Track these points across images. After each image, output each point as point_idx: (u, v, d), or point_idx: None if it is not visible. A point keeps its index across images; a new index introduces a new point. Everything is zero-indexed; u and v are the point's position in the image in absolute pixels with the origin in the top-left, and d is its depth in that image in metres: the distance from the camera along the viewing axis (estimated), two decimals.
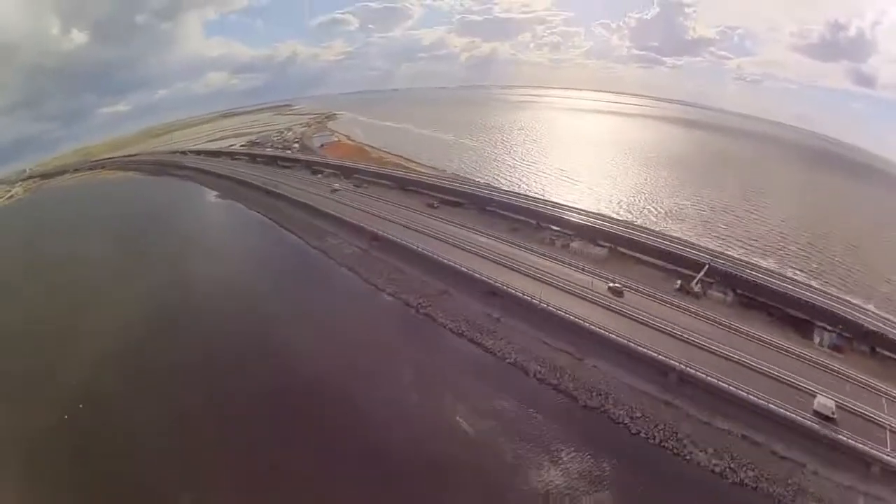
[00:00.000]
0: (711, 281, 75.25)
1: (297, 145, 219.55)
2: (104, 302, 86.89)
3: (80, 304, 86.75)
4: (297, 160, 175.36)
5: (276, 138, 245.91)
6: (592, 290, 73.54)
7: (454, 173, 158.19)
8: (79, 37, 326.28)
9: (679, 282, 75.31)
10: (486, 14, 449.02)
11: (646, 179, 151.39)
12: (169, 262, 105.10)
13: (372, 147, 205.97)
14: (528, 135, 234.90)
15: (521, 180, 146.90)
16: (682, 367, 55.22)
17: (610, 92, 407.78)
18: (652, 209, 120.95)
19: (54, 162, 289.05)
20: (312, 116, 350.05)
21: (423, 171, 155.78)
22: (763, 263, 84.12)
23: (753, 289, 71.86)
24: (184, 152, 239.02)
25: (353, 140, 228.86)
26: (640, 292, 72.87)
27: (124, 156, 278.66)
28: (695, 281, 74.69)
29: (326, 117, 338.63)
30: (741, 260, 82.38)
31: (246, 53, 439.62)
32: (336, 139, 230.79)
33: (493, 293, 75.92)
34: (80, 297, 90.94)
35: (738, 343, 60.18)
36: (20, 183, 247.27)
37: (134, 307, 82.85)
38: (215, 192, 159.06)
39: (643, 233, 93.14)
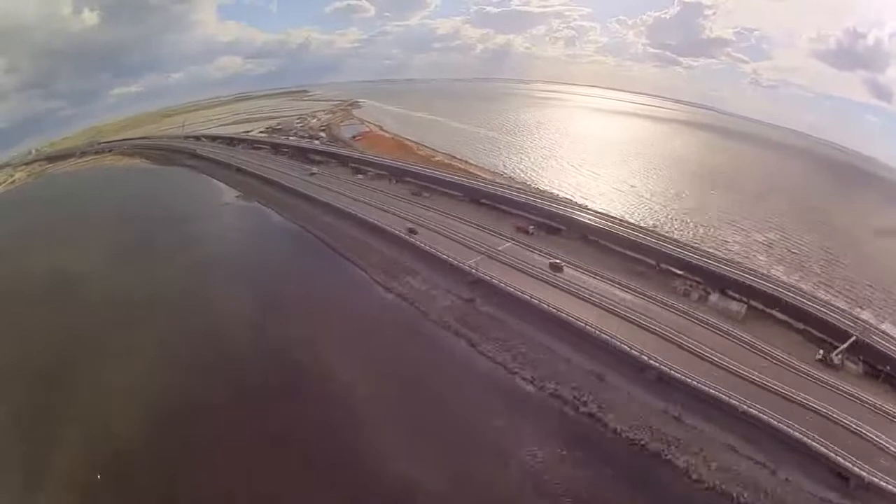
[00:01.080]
0: (859, 359, 57.46)
1: (323, 134, 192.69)
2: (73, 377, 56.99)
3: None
4: (332, 154, 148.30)
5: (298, 125, 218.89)
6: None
7: (514, 178, 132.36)
8: (90, 17, 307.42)
9: (821, 352, 58.53)
10: (503, 5, 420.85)
11: (717, 204, 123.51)
12: (180, 305, 75.85)
13: (411, 141, 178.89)
14: (567, 136, 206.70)
15: (598, 195, 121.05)
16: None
17: (626, 91, 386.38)
18: (753, 247, 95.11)
19: (63, 143, 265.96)
20: (333, 103, 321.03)
21: (483, 175, 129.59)
22: None
23: None
24: (198, 138, 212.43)
25: (387, 131, 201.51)
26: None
27: (134, 138, 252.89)
28: (836, 352, 57.55)
29: (349, 104, 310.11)
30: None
31: (259, 38, 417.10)
32: (368, 130, 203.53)
33: (661, 380, 50.77)
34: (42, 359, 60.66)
35: None
36: (24, 167, 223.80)
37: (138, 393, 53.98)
38: (235, 192, 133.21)
39: (778, 286, 69.76)
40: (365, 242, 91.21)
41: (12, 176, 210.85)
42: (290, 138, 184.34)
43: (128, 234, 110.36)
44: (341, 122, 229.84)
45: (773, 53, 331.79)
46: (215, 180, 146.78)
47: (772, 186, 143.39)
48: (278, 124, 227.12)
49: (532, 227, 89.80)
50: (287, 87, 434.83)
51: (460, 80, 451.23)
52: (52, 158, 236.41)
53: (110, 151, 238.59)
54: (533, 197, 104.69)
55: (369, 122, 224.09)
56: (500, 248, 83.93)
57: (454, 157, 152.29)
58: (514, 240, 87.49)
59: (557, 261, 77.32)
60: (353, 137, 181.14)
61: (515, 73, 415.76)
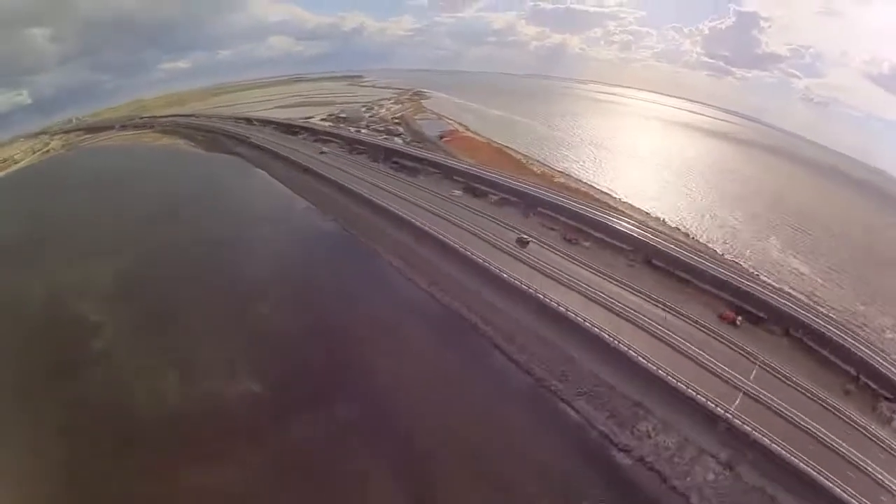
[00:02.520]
0: None
1: (401, 129, 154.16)
2: None
3: None
4: (428, 161, 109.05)
5: (367, 115, 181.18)
6: None
7: (667, 223, 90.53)
8: None
9: None
10: (558, 3, 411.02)
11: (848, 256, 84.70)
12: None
13: (513, 150, 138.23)
14: (661, 152, 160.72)
15: (770, 264, 78.74)
16: None
17: (678, 97, 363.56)
18: None
19: (106, 113, 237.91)
20: (396, 92, 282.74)
21: (635, 216, 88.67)
22: None
23: None
24: (250, 121, 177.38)
25: (474, 132, 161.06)
26: None
27: (178, 116, 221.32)
28: None
29: (414, 94, 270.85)
30: None
31: (311, 20, 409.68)
32: (452, 128, 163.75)
33: None
34: None
35: None
36: (62, 135, 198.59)
37: None
38: (304, 201, 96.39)
39: None
40: (554, 347, 52.53)
41: (47, 144, 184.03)
42: (362, 131, 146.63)
43: (152, 262, 74.83)
44: (415, 114, 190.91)
45: (825, 71, 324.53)
46: (274, 180, 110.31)
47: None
48: (341, 112, 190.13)
49: (740, 317, 57.83)
50: (342, 71, 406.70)
51: (513, 76, 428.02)
52: (90, 129, 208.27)
53: (151, 128, 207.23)
54: (725, 269, 66.36)
55: (448, 119, 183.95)
56: (729, 367, 48.61)
57: (580, 181, 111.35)
58: (718, 335, 54.49)
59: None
60: (441, 138, 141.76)
61: (568, 73, 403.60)
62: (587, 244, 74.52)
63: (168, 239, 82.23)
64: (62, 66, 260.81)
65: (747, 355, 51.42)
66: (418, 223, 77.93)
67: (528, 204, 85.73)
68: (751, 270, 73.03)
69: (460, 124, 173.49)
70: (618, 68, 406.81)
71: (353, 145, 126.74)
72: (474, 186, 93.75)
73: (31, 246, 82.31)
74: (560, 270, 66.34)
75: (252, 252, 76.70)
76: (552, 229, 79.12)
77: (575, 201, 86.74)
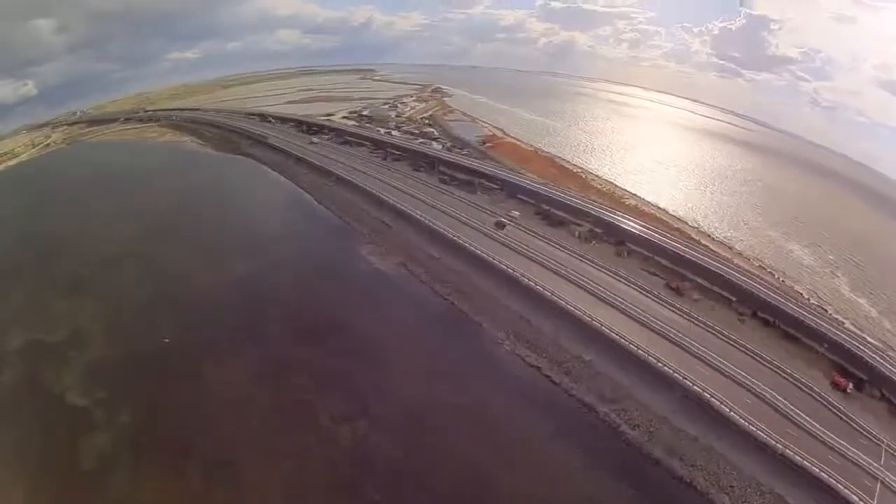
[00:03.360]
0: None
1: (434, 130, 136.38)
2: None
3: None
4: (493, 178, 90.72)
5: (391, 113, 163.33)
6: None
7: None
8: None
9: None
10: (569, 2, 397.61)
11: None
12: None
13: (562, 159, 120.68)
14: (709, 168, 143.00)
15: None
16: None
17: (688, 99, 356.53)
18: None
19: (111, 105, 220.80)
20: (414, 88, 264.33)
21: (720, 250, 73.93)
22: None
23: None
24: (265, 116, 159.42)
25: (514, 137, 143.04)
26: None
27: (186, 109, 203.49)
28: None
29: (433, 91, 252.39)
30: None
31: (320, 13, 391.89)
32: (490, 132, 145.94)
33: None
34: None
35: None
36: (64, 127, 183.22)
37: None
38: (346, 224, 79.08)
39: None
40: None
41: (49, 137, 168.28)
42: (394, 133, 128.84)
43: (149, 313, 57.24)
44: (444, 114, 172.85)
45: (834, 75, 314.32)
46: (304, 192, 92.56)
47: None
48: (364, 108, 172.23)
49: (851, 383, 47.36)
50: (352, 65, 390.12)
51: (524, 72, 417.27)
52: (93, 122, 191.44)
53: (156, 122, 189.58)
54: (829, 324, 54.86)
55: (482, 122, 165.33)
56: None
57: (653, 205, 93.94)
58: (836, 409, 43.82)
59: None
60: (484, 143, 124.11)
61: (576, 70, 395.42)
62: (696, 296, 59.41)
63: (167, 275, 64.14)
64: (68, 56, 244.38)
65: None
66: (518, 274, 60.03)
67: (618, 239, 68.45)
68: (843, 321, 59.43)
69: (496, 127, 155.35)
70: (627, 67, 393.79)
71: (388, 150, 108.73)
72: (552, 213, 76.07)
73: None
74: (683, 336, 50.42)
75: (284, 300, 59.19)
76: (654, 274, 63.09)
77: (670, 238, 70.25)
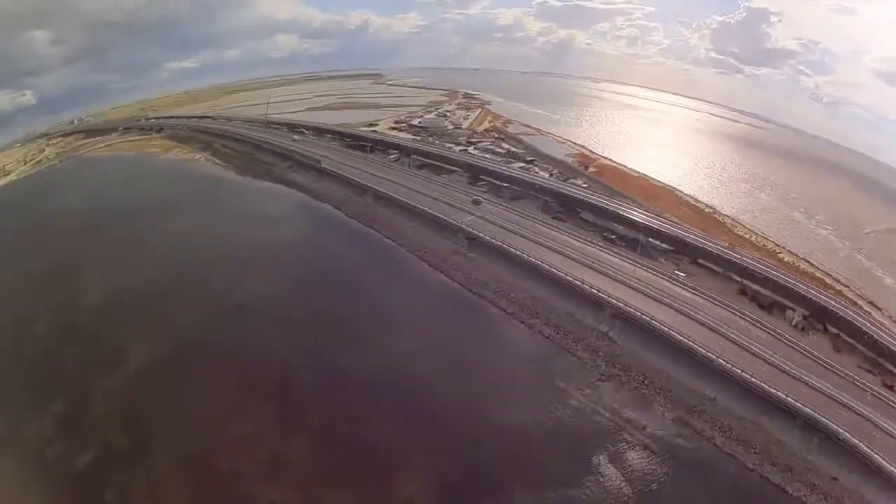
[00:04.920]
0: None
1: (513, 148, 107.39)
2: None
3: None
4: (666, 238, 63.32)
5: (447, 125, 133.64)
6: None
7: None
8: None
9: None
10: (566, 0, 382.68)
11: None
12: None
13: (680, 192, 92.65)
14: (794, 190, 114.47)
15: None
16: None
17: (696, 99, 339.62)
18: None
19: (111, 113, 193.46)
20: (440, 93, 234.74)
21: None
22: None
23: None
24: (296, 128, 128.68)
25: (607, 158, 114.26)
26: None
27: (192, 117, 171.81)
28: None
29: (465, 96, 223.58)
30: None
31: (317, 17, 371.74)
32: (571, 149, 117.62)
33: None
34: None
35: None
36: (61, 138, 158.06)
37: None
38: (556, 343, 49.08)
39: None
40: None
41: (43, 151, 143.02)
42: (472, 150, 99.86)
43: None
44: (503, 125, 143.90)
45: (835, 69, 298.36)
46: (435, 270, 59.86)
47: None
48: (408, 116, 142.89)
49: None
50: (357, 69, 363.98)
51: (527, 73, 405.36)
52: (92, 132, 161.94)
53: (159, 131, 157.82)
54: None
55: (555, 137, 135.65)
56: None
57: (805, 260, 67.17)
58: None
59: None
60: (584, 167, 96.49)
61: (575, 69, 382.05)
62: None
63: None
64: (66, 68, 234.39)
65: None
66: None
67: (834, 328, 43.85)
68: None
69: (579, 145, 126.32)
70: (625, 65, 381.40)
71: (495, 182, 79.28)
72: (754, 290, 51.21)
73: None
74: None
75: None
76: (868, 371, 42.67)
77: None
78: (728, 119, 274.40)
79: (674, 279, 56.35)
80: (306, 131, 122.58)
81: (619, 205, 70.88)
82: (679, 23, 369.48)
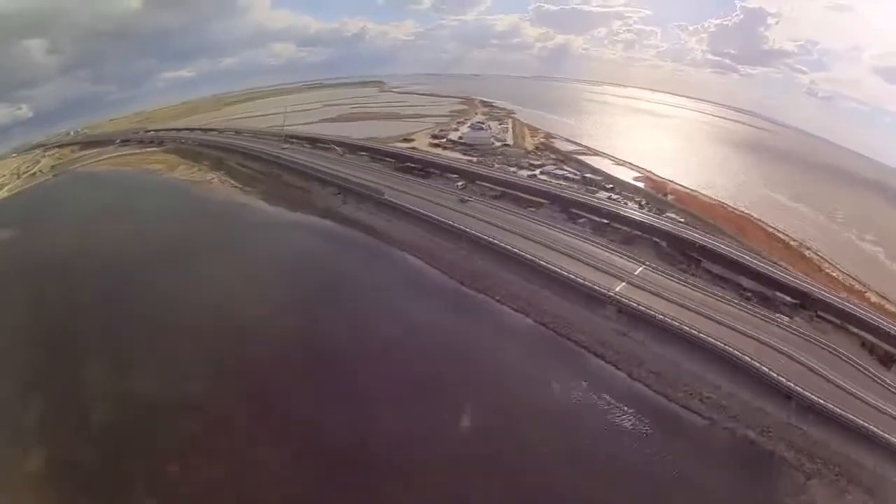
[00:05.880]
0: None
1: (579, 172, 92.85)
2: None
3: None
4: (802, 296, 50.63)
5: (493, 141, 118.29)
6: None
7: None
8: (134, 0, 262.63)
9: None
10: (562, 4, 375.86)
11: None
12: None
13: (765, 224, 79.79)
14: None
15: None
16: None
17: (690, 98, 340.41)
18: None
19: (109, 125, 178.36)
20: (456, 101, 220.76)
21: None
22: None
23: None
24: (320, 143, 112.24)
25: (672, 181, 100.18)
26: None
27: (194, 129, 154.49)
28: None
29: (483, 104, 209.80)
30: None
31: (312, 25, 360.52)
32: (634, 170, 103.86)
33: None
34: None
35: None
36: (56, 149, 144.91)
37: None
38: None
39: None
40: None
41: (38, 163, 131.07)
42: (540, 175, 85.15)
43: None
44: (548, 140, 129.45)
45: (831, 66, 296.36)
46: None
47: None
48: (441, 129, 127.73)
49: None
50: (356, 77, 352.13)
51: (525, 79, 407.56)
52: (88, 143, 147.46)
53: (160, 145, 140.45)
54: None
55: (606, 154, 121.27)
56: None
57: None
58: None
59: None
60: (664, 195, 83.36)
61: (572, 74, 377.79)
62: None
63: None
64: (61, 78, 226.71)
65: None
66: None
67: None
68: None
69: (641, 168, 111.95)
70: (622, 68, 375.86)
71: (588, 215, 64.69)
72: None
73: None
74: None
75: None
76: None
77: None
78: (742, 123, 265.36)
79: (818, 342, 44.03)
80: (337, 147, 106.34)
81: (746, 254, 57.63)
82: (677, 26, 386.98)
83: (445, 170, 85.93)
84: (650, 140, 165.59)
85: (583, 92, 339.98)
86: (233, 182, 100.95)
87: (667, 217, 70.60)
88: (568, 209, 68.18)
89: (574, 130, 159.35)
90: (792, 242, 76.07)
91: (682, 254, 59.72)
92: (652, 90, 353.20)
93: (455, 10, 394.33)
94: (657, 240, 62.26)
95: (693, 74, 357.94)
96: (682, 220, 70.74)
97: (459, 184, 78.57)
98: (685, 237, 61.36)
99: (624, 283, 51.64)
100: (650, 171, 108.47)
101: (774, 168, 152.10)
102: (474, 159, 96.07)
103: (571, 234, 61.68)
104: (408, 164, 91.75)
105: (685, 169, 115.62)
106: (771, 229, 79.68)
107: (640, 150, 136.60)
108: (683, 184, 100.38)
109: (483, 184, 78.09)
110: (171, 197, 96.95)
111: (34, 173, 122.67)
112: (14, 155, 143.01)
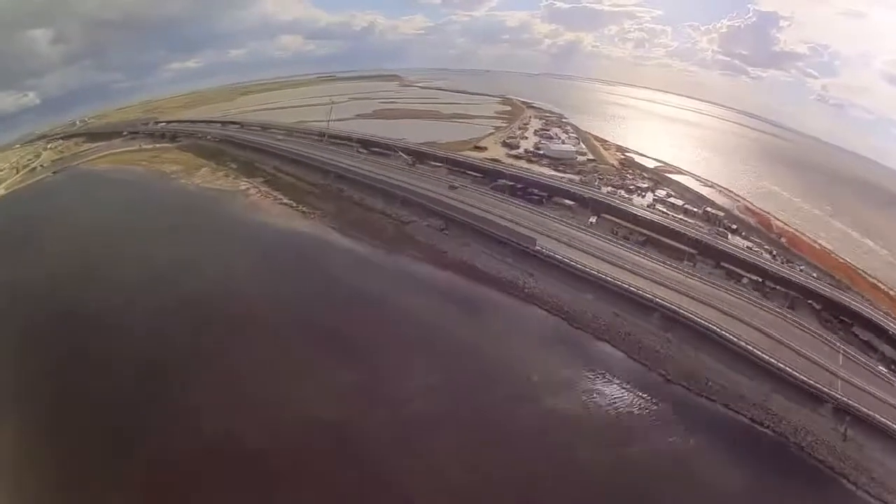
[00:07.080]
0: None
1: (702, 208, 77.34)
2: None
3: None
4: None
5: (574, 155, 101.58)
6: None
7: None
8: None
9: None
10: (574, 2, 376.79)
11: None
12: None
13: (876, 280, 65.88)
14: None
15: None
16: None
17: (703, 101, 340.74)
18: None
19: (116, 114, 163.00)
20: (494, 101, 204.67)
21: None
22: None
23: None
24: (393, 151, 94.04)
25: (771, 215, 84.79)
26: None
27: (211, 121, 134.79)
28: None
29: (525, 105, 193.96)
30: None
31: (322, 18, 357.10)
32: (725, 194, 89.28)
33: None
34: None
35: None
36: (60, 141, 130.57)
37: None
38: None
39: None
40: None
41: (39, 156, 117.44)
42: (654, 203, 69.61)
43: None
44: (624, 154, 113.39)
45: (842, 71, 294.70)
46: None
47: None
48: (508, 137, 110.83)
49: None
50: (373, 70, 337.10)
51: (536, 76, 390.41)
52: (94, 135, 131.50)
53: (174, 139, 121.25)
54: None
55: (705, 180, 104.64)
56: None
57: None
58: None
59: None
60: (777, 236, 70.42)
61: (581, 71, 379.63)
62: None
63: None
64: (68, 67, 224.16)
65: None
66: None
67: None
68: None
69: (731, 191, 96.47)
70: (630, 66, 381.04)
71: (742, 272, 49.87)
72: None
73: None
74: None
75: None
76: None
77: None
78: (768, 133, 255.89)
79: None
80: (404, 155, 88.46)
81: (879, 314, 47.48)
82: (689, 26, 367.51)
83: (553, 192, 69.20)
84: (701, 154, 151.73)
85: (599, 93, 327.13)
86: (279, 196, 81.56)
87: (803, 272, 57.73)
88: (720, 263, 52.89)
89: (626, 140, 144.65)
90: (891, 292, 62.54)
91: (838, 319, 50.11)
92: (664, 92, 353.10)
93: (465, 5, 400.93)
94: (811, 302, 51.22)
95: (702, 75, 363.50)
96: (814, 274, 58.25)
97: (592, 219, 62.01)
98: (843, 303, 50.25)
99: (840, 382, 37.82)
100: (745, 199, 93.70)
101: (828, 190, 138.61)
102: (575, 178, 79.67)
103: (745, 299, 47.58)
104: (502, 180, 74.81)
105: (762, 195, 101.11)
106: (872, 280, 65.51)
107: (707, 168, 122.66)
108: (775, 214, 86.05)
109: (612, 218, 61.71)
110: (195, 216, 72.61)
111: (34, 168, 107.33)
112: (17, 145, 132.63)
